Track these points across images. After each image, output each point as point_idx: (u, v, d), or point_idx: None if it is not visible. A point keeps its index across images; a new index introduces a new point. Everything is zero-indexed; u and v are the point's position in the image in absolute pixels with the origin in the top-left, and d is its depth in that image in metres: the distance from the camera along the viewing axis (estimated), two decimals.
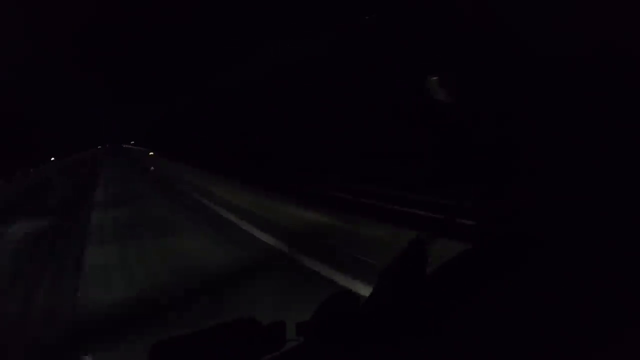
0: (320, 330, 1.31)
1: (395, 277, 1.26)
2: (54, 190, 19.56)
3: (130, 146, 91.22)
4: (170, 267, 6.13)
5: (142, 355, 1.04)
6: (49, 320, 4.46)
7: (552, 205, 1.36)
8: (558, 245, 1.23)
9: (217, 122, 27.10)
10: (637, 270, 1.03)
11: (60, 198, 16.14)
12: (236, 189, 13.50)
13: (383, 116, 10.27)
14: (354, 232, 7.31)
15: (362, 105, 11.17)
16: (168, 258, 6.67)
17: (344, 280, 4.89)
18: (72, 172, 29.40)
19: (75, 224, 10.11)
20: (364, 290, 4.34)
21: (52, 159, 39.51)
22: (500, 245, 1.41)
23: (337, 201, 9.82)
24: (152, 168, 26.65)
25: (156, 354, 1.03)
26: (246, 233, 7.88)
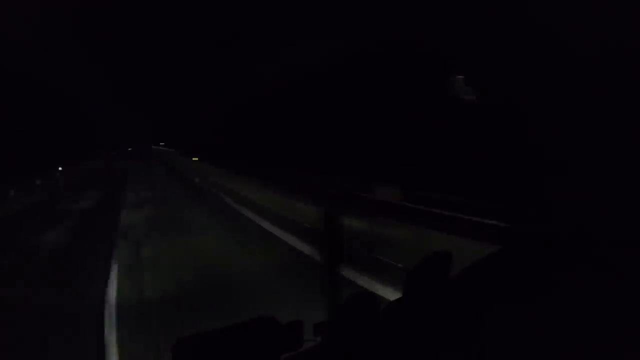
0: (338, 331, 1.30)
1: (420, 282, 1.23)
2: None
3: (160, 147, 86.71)
4: None
5: (166, 352, 1.07)
6: None
7: (581, 204, 1.31)
8: (588, 246, 1.18)
9: (233, 123, 27.20)
10: None
11: None
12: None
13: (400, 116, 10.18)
14: (374, 232, 7.24)
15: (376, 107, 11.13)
16: None
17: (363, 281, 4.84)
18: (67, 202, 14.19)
19: None
20: (383, 292, 4.30)
21: (60, 168, 24.39)
22: (526, 247, 1.36)
23: (354, 200, 9.81)
24: (197, 179, 19.65)
25: (179, 351, 1.06)
26: None
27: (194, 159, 35.65)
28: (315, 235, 6.95)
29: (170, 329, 3.89)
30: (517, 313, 1.08)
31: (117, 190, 17.22)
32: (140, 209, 11.84)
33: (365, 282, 4.84)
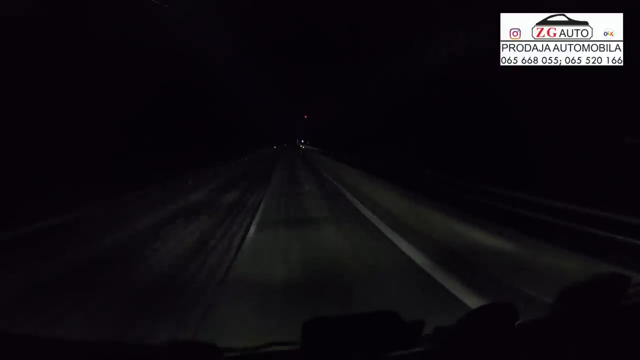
0: (462, 339, 1.21)
1: (579, 303, 1.08)
2: None
3: (307, 147, 72.03)
4: None
5: (297, 330, 1.08)
6: None
7: None
8: None
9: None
10: None
11: None
12: None
13: None
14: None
15: None
16: None
17: None
18: None
19: None
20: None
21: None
22: None
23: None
24: None
25: (309, 330, 1.06)
26: None
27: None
28: None
29: None
30: None
31: None
32: None
33: None
